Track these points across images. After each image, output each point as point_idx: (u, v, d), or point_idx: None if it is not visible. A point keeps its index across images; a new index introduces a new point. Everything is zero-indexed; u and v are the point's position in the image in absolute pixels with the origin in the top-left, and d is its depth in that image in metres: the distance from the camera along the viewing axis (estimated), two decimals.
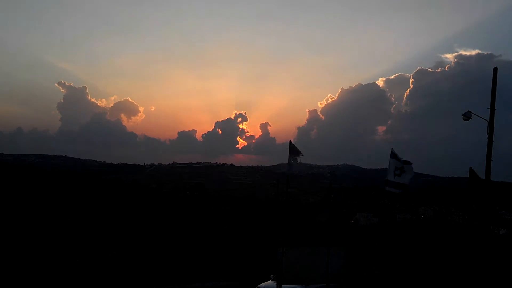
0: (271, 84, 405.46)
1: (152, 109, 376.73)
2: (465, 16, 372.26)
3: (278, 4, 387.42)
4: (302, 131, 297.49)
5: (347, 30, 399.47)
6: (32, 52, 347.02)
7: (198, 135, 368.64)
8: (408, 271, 16.65)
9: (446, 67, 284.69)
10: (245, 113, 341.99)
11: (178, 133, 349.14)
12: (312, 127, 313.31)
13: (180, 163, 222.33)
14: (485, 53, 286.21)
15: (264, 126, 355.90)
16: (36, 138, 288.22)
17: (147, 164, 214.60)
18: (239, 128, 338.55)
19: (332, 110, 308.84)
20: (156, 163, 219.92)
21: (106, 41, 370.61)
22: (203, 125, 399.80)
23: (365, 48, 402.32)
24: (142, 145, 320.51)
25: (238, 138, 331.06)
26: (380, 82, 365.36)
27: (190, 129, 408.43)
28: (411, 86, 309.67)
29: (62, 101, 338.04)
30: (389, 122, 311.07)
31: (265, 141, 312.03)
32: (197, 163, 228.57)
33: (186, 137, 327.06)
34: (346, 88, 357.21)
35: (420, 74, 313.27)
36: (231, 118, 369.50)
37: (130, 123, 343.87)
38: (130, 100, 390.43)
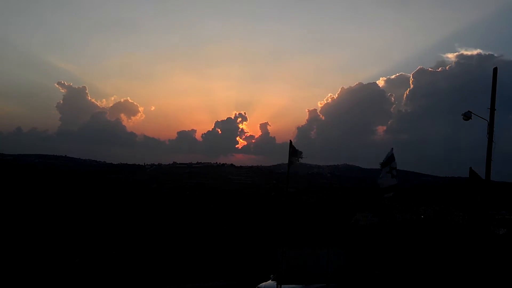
0: (271, 83, 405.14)
1: (152, 109, 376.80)
2: (466, 16, 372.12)
3: (278, 3, 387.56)
4: (302, 131, 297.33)
5: (347, 29, 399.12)
6: (32, 52, 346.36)
7: (198, 135, 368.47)
8: (408, 271, 16.64)
9: (447, 67, 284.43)
10: (244, 113, 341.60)
11: (178, 133, 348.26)
12: (312, 127, 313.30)
13: (180, 163, 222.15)
14: (486, 53, 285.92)
15: (264, 126, 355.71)
16: (35, 138, 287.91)
17: (147, 164, 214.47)
18: (238, 128, 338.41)
19: (332, 109, 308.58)
20: (156, 163, 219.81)
21: (106, 41, 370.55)
22: (203, 125, 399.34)
23: (365, 47, 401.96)
24: (142, 145, 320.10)
25: (237, 138, 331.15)
26: (381, 82, 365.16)
27: (190, 129, 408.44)
28: (411, 86, 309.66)
29: (61, 101, 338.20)
30: (389, 122, 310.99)
31: (265, 141, 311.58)
32: (197, 163, 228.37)
33: (186, 137, 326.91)
34: (346, 88, 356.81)
35: (420, 74, 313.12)
36: (231, 118, 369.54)
37: (130, 123, 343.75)
38: (130, 100, 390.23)
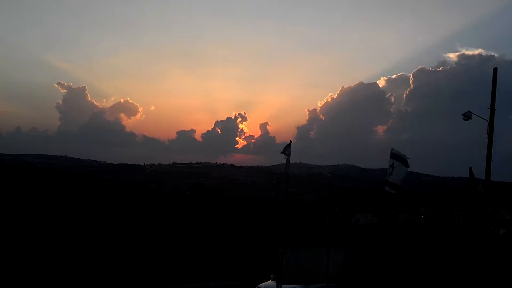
0: (270, 83, 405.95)
1: (152, 109, 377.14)
2: (468, 15, 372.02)
3: (278, 3, 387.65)
4: (302, 131, 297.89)
5: (347, 28, 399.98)
6: (32, 52, 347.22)
7: (198, 135, 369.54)
8: (408, 271, 16.64)
9: (448, 67, 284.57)
10: (244, 113, 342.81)
11: (177, 132, 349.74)
12: (312, 127, 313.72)
13: (180, 163, 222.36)
14: (487, 52, 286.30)
15: (263, 126, 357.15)
16: (35, 138, 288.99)
17: (147, 164, 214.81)
18: (238, 128, 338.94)
19: (332, 109, 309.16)
20: (156, 163, 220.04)
21: (106, 41, 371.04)
22: (203, 124, 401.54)
23: (366, 47, 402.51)
24: (142, 145, 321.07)
25: (237, 138, 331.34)
26: (381, 82, 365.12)
27: (189, 129, 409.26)
28: (411, 86, 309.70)
29: (61, 101, 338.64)
30: (389, 122, 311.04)
31: (265, 141, 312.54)
32: (197, 163, 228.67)
33: (185, 136, 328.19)
34: (346, 87, 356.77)
35: (421, 73, 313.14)
36: (230, 117, 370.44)
37: (129, 123, 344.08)
38: (129, 100, 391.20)
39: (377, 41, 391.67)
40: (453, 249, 18.18)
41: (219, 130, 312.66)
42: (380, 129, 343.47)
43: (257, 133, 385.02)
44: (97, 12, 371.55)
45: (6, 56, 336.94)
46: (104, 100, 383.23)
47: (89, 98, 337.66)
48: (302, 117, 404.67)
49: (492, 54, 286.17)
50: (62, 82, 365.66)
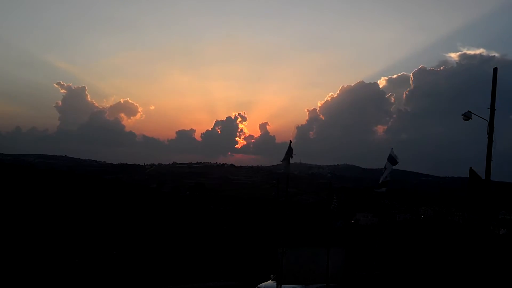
0: (270, 83, 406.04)
1: (151, 109, 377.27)
2: (469, 14, 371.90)
3: (278, 3, 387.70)
4: (302, 131, 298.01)
5: (348, 27, 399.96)
6: (31, 52, 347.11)
7: (197, 135, 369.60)
8: (408, 271, 16.63)
9: (449, 67, 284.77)
10: (244, 112, 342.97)
11: (177, 132, 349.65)
12: (311, 127, 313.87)
13: (180, 163, 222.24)
14: (489, 52, 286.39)
15: (263, 126, 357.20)
16: (35, 138, 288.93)
17: (146, 164, 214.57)
18: (238, 127, 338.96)
19: (332, 109, 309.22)
20: (156, 163, 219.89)
21: (105, 41, 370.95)
22: (202, 124, 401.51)
23: (366, 46, 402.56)
24: (142, 145, 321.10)
25: (237, 138, 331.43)
26: (382, 82, 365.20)
27: (189, 129, 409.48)
28: (412, 85, 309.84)
29: (61, 101, 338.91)
30: (389, 122, 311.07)
31: (265, 141, 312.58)
32: (197, 163, 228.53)
33: (185, 136, 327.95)
34: (346, 87, 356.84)
35: (421, 73, 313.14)
36: (230, 117, 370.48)
37: (129, 123, 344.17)
38: (129, 100, 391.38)
39: (377, 40, 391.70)
40: (453, 249, 18.18)
41: (219, 130, 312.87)
42: (380, 129, 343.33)
43: (257, 133, 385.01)
44: (97, 12, 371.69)
45: (6, 56, 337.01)
46: (104, 100, 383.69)
47: (89, 98, 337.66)
48: (302, 117, 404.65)
49: (493, 54, 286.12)
50: (62, 82, 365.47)
